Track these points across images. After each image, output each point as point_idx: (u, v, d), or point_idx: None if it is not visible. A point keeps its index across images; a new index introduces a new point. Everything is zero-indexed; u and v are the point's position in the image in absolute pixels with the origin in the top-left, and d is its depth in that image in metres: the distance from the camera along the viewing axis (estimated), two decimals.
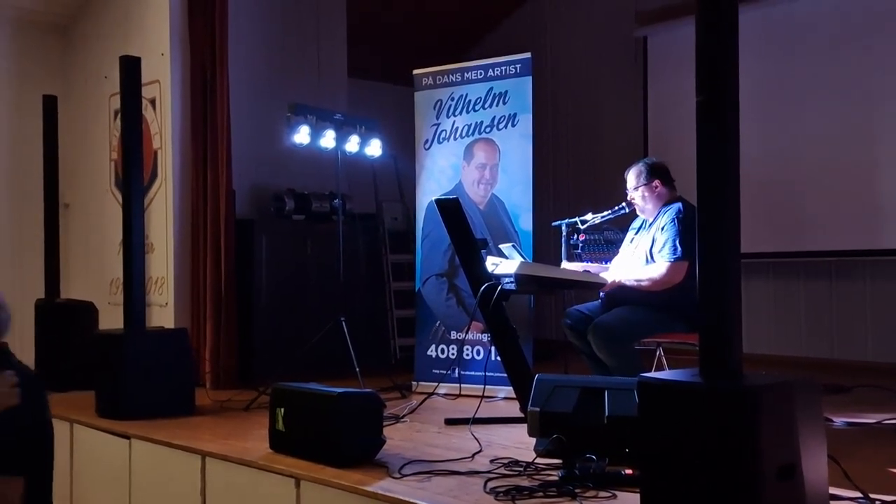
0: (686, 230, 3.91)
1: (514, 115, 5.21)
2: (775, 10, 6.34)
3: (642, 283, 4.06)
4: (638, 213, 4.32)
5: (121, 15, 6.21)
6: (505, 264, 4.10)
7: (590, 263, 4.35)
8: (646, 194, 4.20)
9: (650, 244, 4.12)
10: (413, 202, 5.73)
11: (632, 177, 4.27)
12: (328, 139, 5.35)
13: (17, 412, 2.29)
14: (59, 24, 6.73)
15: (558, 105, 7.95)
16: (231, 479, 3.47)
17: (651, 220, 4.22)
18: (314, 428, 3.32)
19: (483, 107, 5.30)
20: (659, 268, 4.00)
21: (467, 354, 5.21)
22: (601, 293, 4.23)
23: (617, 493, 2.77)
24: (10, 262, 6.39)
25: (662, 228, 4.06)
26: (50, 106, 5.88)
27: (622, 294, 4.14)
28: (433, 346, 5.35)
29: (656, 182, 4.20)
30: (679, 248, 3.93)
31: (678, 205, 4.10)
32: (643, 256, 4.16)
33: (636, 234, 4.36)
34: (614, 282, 4.12)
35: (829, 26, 6.19)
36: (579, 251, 4.50)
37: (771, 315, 6.55)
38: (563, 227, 4.56)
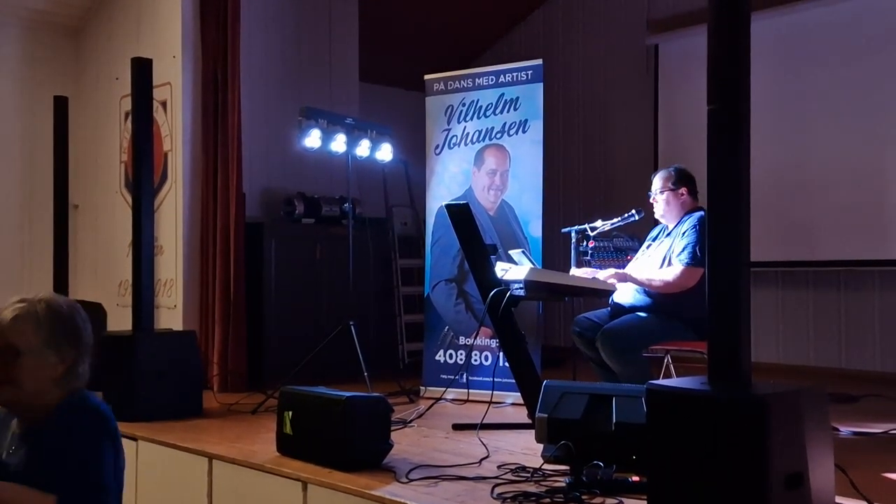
0: (705, 237, 3.91)
1: (525, 121, 5.21)
2: (787, 19, 6.34)
3: (654, 283, 4.06)
4: (657, 217, 4.31)
5: (133, 17, 6.25)
6: (514, 270, 4.10)
7: (599, 270, 4.35)
8: (670, 199, 4.21)
9: (669, 249, 4.12)
10: (423, 207, 5.74)
11: (659, 179, 4.26)
12: (339, 143, 5.36)
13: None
14: (71, 26, 6.77)
15: (569, 112, 7.95)
16: (238, 482, 3.48)
17: (672, 227, 4.22)
18: (322, 432, 3.32)
19: (494, 113, 5.31)
20: (674, 270, 4.01)
21: (475, 360, 5.21)
22: (610, 299, 4.23)
23: (624, 500, 2.77)
24: (19, 263, 6.42)
25: (683, 234, 4.07)
26: (61, 107, 5.90)
27: (630, 303, 4.15)
28: (441, 352, 5.35)
29: (683, 189, 4.21)
30: (697, 254, 3.94)
31: (701, 213, 4.10)
32: (658, 262, 4.16)
33: (653, 241, 4.36)
34: (622, 273, 4.12)
35: (840, 36, 6.18)
36: (589, 258, 4.49)
37: (779, 324, 6.53)
38: (573, 234, 4.56)
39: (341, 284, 5.51)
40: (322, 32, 6.70)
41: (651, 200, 4.28)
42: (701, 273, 3.90)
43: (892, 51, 5.92)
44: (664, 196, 4.22)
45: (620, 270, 4.17)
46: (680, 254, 4.02)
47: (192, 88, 5.79)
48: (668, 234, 4.23)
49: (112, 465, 2.12)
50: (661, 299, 4.06)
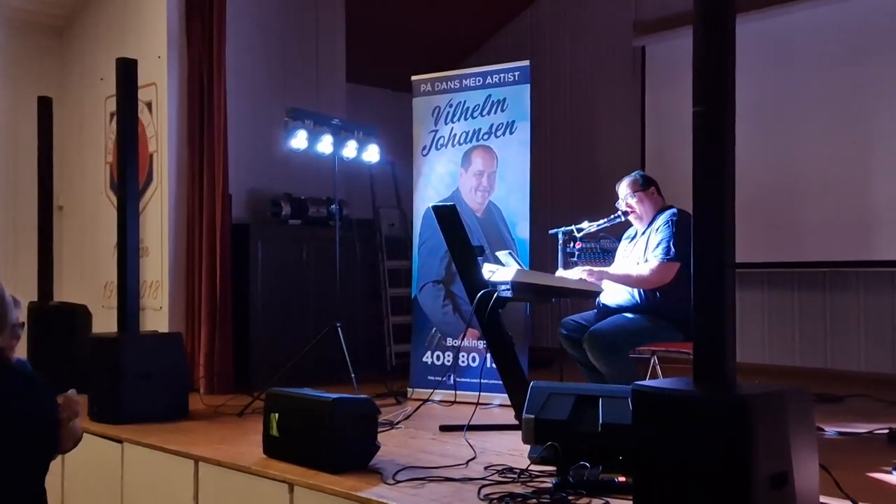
0: (680, 233, 3.96)
1: (513, 122, 5.22)
2: (773, 22, 6.37)
3: (631, 279, 4.09)
4: (632, 221, 4.34)
5: (118, 17, 6.22)
6: (501, 272, 4.11)
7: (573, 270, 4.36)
8: (643, 199, 4.25)
9: (644, 248, 4.15)
10: (410, 208, 5.74)
11: (627, 184, 4.31)
12: (326, 144, 5.35)
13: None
14: (56, 26, 6.73)
15: (556, 113, 7.97)
16: (224, 484, 3.47)
17: (644, 227, 4.25)
18: (308, 433, 3.32)
19: (481, 114, 5.31)
20: (650, 266, 4.04)
21: (463, 361, 5.21)
22: (598, 301, 4.25)
23: (610, 500, 2.78)
24: (3, 264, 6.38)
25: (657, 230, 4.11)
26: (45, 107, 5.87)
27: (617, 303, 4.16)
28: (429, 353, 5.34)
29: (653, 189, 4.28)
30: (672, 250, 3.98)
31: (673, 209, 4.16)
32: (635, 261, 4.19)
33: (629, 242, 4.39)
34: (598, 271, 4.13)
35: (825, 39, 6.21)
36: (575, 259, 4.50)
37: (764, 325, 6.56)
38: (560, 236, 4.57)
39: (328, 286, 5.49)
40: (309, 33, 6.68)
41: (624, 207, 4.30)
42: (677, 268, 3.94)
43: (876, 55, 5.96)
44: (636, 197, 4.26)
45: (595, 268, 4.18)
46: (655, 249, 4.05)
47: (178, 89, 5.77)
48: (643, 233, 4.26)
49: None
50: (647, 300, 4.08)
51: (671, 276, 3.97)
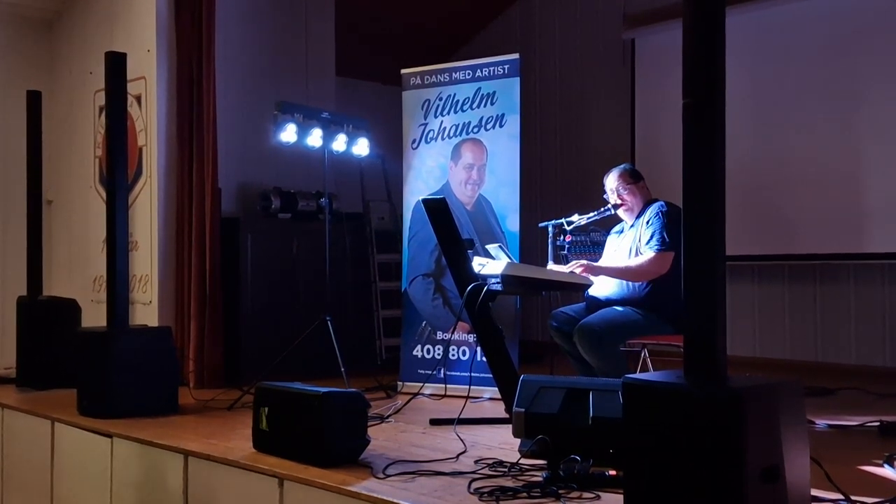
0: (670, 223, 3.97)
1: (502, 115, 5.21)
2: (763, 14, 6.37)
3: (630, 271, 4.10)
4: (621, 214, 4.35)
5: (107, 10, 6.18)
6: (491, 265, 4.10)
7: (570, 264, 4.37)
8: (635, 191, 4.29)
9: (635, 240, 4.16)
10: (400, 202, 5.72)
11: (619, 176, 4.32)
12: (315, 138, 5.33)
13: None
14: (45, 19, 6.69)
15: (546, 106, 7.96)
16: (214, 479, 3.46)
17: (633, 220, 4.27)
18: (298, 428, 3.31)
19: (471, 107, 5.30)
20: (646, 257, 4.04)
21: (453, 355, 5.20)
22: (586, 293, 4.25)
23: (601, 494, 2.77)
24: None
25: (648, 222, 4.13)
26: (34, 101, 5.83)
27: (606, 296, 4.16)
28: (419, 347, 5.34)
29: (642, 182, 4.31)
30: (667, 239, 3.98)
31: (661, 202, 4.19)
32: (625, 255, 4.20)
33: (618, 235, 4.40)
34: (594, 266, 4.14)
35: (816, 32, 6.22)
36: (566, 252, 4.51)
37: (756, 318, 6.58)
38: (550, 229, 4.57)
39: (318, 280, 5.48)
40: (298, 26, 6.65)
41: (616, 199, 4.31)
42: (672, 257, 3.95)
43: (868, 47, 5.97)
44: (628, 189, 4.28)
45: (592, 263, 4.19)
46: (648, 241, 4.07)
47: (167, 82, 5.74)
48: (632, 226, 4.28)
49: None
50: (637, 293, 4.08)
51: (668, 266, 3.99)
